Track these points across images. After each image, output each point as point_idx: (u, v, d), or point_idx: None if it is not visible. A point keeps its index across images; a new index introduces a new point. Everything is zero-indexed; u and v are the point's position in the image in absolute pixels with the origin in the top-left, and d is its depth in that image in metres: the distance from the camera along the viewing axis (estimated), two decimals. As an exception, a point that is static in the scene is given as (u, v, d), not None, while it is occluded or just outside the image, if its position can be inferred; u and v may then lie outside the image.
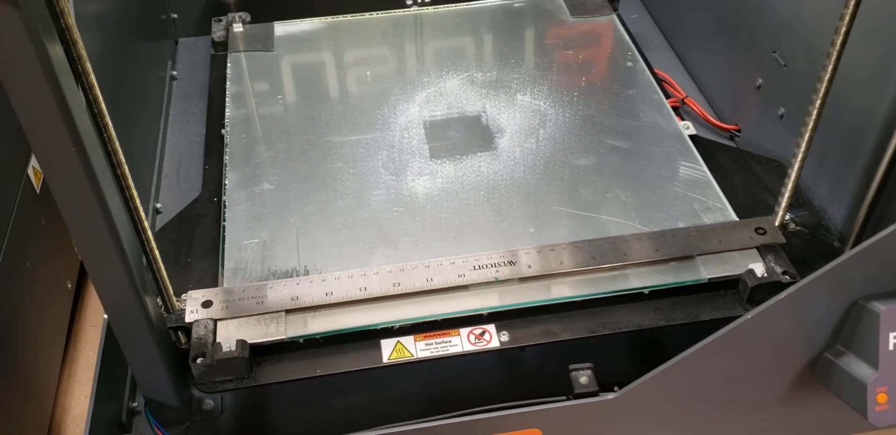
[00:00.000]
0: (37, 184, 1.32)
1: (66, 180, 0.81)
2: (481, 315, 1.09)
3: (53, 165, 0.80)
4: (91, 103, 0.84)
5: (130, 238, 0.92)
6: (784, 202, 1.16)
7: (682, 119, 1.44)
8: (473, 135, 1.37)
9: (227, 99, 1.45)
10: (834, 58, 1.01)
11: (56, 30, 0.76)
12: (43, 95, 0.75)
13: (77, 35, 0.78)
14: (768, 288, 1.08)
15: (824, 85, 1.04)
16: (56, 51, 0.75)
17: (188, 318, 1.06)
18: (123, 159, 0.90)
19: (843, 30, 0.98)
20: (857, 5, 0.96)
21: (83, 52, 0.80)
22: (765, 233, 1.15)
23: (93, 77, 0.82)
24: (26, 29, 0.70)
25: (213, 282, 1.15)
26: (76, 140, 0.79)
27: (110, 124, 0.87)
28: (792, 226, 1.22)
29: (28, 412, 1.24)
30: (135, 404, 1.15)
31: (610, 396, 1.00)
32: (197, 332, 1.04)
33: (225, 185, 1.28)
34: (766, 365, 1.02)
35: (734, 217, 1.21)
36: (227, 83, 1.49)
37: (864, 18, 0.98)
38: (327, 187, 1.27)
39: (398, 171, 1.30)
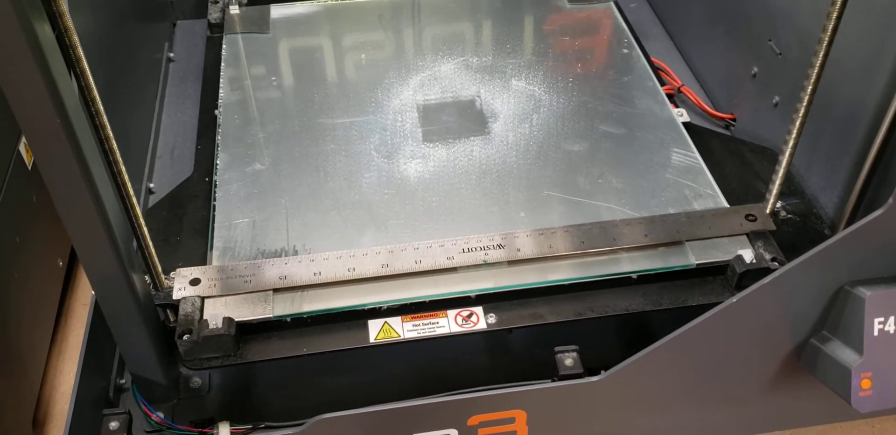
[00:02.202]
0: (28, 160, 1.32)
1: (53, 154, 0.81)
2: (469, 297, 1.10)
3: (39, 138, 0.80)
4: (79, 78, 0.84)
5: (119, 215, 0.93)
6: (775, 189, 1.16)
7: (677, 107, 1.44)
8: (467, 119, 1.37)
9: (221, 80, 1.45)
10: (825, 44, 1.01)
11: (42, 2, 0.76)
12: (28, 68, 0.75)
13: (64, 7, 0.78)
14: (757, 274, 1.07)
15: (815, 71, 1.04)
16: (41, 23, 0.75)
17: (176, 295, 1.06)
18: (112, 135, 0.90)
19: (835, 15, 0.98)
20: (848, -10, 0.96)
21: (70, 24, 0.80)
22: (755, 220, 1.15)
23: (80, 51, 0.82)
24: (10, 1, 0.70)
25: (202, 261, 1.15)
26: (62, 114, 0.79)
27: (98, 100, 0.87)
28: (783, 213, 1.22)
29: (17, 388, 1.25)
30: (122, 381, 1.15)
31: (594, 378, 1.00)
32: (184, 309, 1.04)
33: (216, 165, 1.28)
34: (752, 350, 1.03)
35: (725, 204, 1.21)
36: (223, 65, 1.49)
37: (856, 5, 0.98)
38: (319, 169, 1.27)
39: (390, 154, 1.30)
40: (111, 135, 0.90)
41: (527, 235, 1.13)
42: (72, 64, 0.83)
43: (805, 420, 1.15)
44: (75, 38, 0.82)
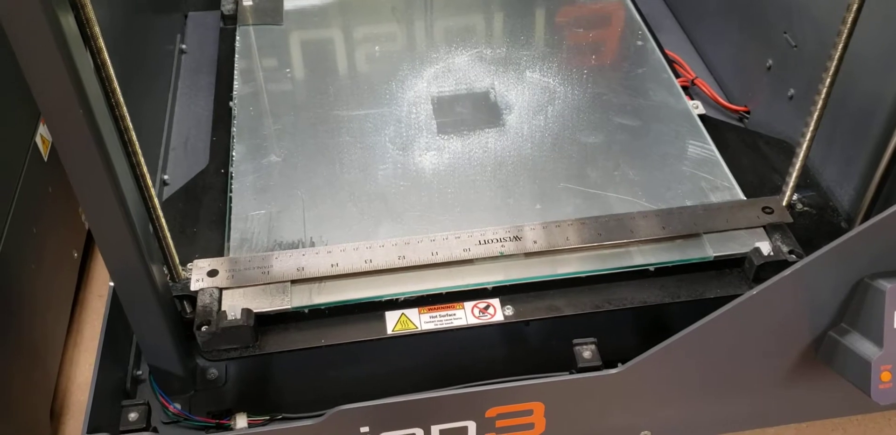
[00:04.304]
0: (44, 152, 1.32)
1: (75, 144, 0.82)
2: (486, 289, 1.10)
3: (61, 128, 0.80)
4: (99, 68, 0.84)
5: (137, 205, 0.93)
6: (791, 182, 1.16)
7: (692, 99, 1.43)
8: (481, 111, 1.36)
9: (235, 72, 1.45)
10: (845, 36, 1.00)
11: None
12: (53, 59, 0.75)
13: (86, -3, 0.78)
14: (774, 267, 1.07)
15: (834, 64, 1.03)
16: (65, 13, 0.75)
17: (194, 286, 1.06)
18: (131, 125, 0.90)
19: (855, 6, 0.97)
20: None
21: (92, 15, 0.80)
22: (772, 212, 1.15)
23: (101, 41, 0.82)
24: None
25: (219, 252, 1.15)
26: (84, 104, 0.79)
27: (118, 90, 0.87)
28: (799, 206, 1.22)
29: (33, 379, 1.25)
30: (139, 373, 1.15)
31: (612, 370, 1.00)
32: (202, 300, 1.04)
33: (232, 156, 1.28)
34: (770, 343, 1.03)
35: (742, 196, 1.20)
36: (236, 56, 1.49)
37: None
38: (334, 161, 1.27)
39: (405, 146, 1.30)
40: (130, 126, 0.90)
41: (543, 227, 1.13)
42: (93, 55, 0.83)
43: (821, 413, 1.15)
44: (96, 29, 0.82)
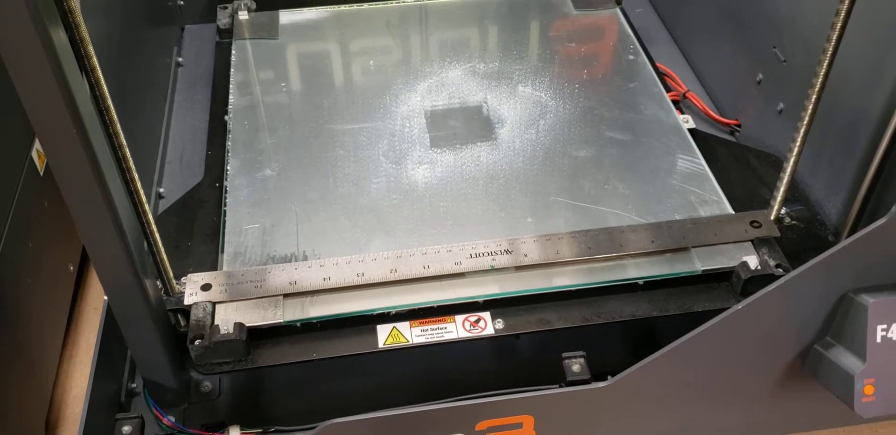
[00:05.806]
0: (40, 166, 1.33)
1: (68, 162, 0.83)
2: (477, 303, 1.11)
3: (55, 147, 0.81)
4: (93, 87, 0.86)
5: (131, 220, 0.94)
6: (779, 196, 1.17)
7: (683, 113, 1.45)
8: (474, 125, 1.38)
9: (231, 86, 1.46)
10: (830, 53, 1.02)
11: (59, 13, 0.77)
12: (46, 78, 0.76)
13: (80, 18, 0.79)
14: (761, 281, 1.08)
15: (820, 80, 1.05)
16: (59, 33, 0.77)
17: (187, 300, 1.07)
18: (125, 142, 0.91)
19: (839, 25, 0.99)
20: (852, 0, 0.97)
21: (86, 35, 0.81)
22: (760, 226, 1.16)
23: (95, 60, 0.83)
24: (29, 12, 0.71)
25: (213, 266, 1.16)
26: (78, 122, 0.80)
27: (112, 108, 0.88)
28: (787, 220, 1.23)
29: (29, 391, 1.26)
30: (133, 385, 1.16)
31: (601, 384, 1.01)
32: (196, 314, 1.06)
33: (227, 170, 1.29)
34: (757, 356, 1.03)
35: (730, 210, 1.22)
36: (232, 70, 1.50)
37: (860, 14, 0.99)
38: (328, 174, 1.28)
39: (398, 160, 1.31)
40: (125, 142, 0.92)
41: (534, 241, 1.14)
42: (86, 73, 0.85)
43: (809, 425, 1.16)
44: (90, 48, 0.83)
